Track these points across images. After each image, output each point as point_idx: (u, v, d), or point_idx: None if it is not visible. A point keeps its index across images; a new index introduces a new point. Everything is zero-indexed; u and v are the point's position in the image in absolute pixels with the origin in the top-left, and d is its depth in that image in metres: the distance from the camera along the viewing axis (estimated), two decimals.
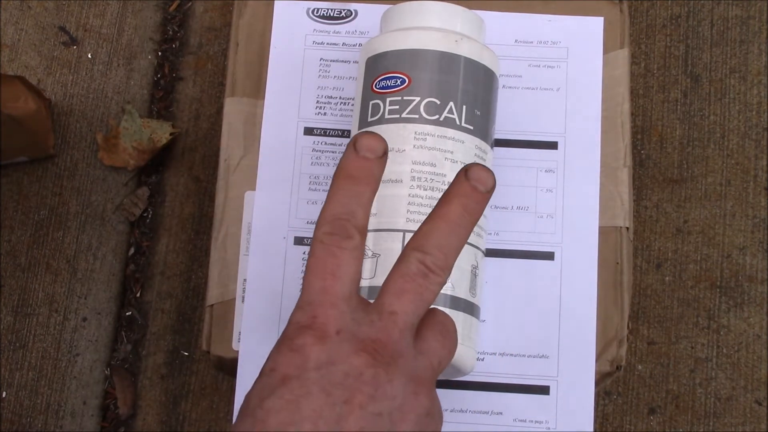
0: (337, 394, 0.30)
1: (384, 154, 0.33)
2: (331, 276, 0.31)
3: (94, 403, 0.66)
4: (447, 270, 0.33)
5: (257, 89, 0.52)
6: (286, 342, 0.31)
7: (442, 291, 0.42)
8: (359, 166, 0.33)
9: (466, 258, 0.43)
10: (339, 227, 0.32)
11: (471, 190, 0.33)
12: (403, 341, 0.32)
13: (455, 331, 0.34)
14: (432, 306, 0.34)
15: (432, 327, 0.34)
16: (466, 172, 0.33)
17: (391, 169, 0.43)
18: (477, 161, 0.44)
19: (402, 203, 0.43)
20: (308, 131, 0.51)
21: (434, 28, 0.45)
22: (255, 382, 0.31)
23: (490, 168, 0.46)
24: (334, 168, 0.50)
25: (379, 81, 0.45)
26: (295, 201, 0.50)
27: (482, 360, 0.48)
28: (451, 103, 0.44)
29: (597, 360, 0.48)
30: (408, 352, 0.32)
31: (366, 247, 0.43)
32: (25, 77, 0.67)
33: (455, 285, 0.43)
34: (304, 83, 0.52)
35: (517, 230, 0.50)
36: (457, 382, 0.48)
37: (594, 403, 0.47)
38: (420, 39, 0.45)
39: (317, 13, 0.53)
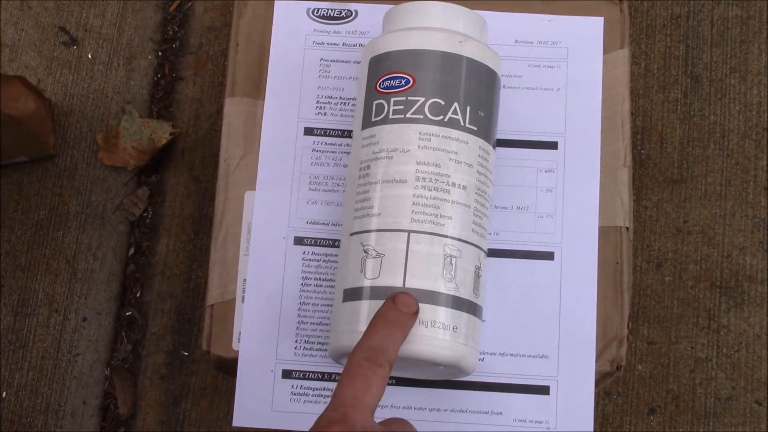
0: None
1: (416, 313, 0.42)
2: (362, 392, 0.38)
3: (94, 403, 0.66)
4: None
5: (257, 89, 0.52)
6: (319, 430, 0.36)
7: (446, 291, 0.42)
8: (396, 316, 0.41)
9: (470, 258, 0.43)
10: (374, 357, 0.39)
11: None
12: None
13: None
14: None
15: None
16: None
17: (395, 169, 0.43)
18: (480, 162, 0.45)
19: (406, 203, 0.43)
20: (308, 131, 0.51)
21: (438, 28, 0.45)
22: None
23: (493, 171, 0.46)
24: (334, 168, 0.51)
25: (383, 81, 0.45)
26: (295, 201, 0.50)
27: (482, 360, 0.48)
28: (456, 104, 0.44)
29: (597, 360, 0.48)
30: None
31: (370, 247, 0.43)
32: (25, 77, 0.67)
33: (459, 285, 0.43)
34: (304, 83, 0.52)
35: (517, 230, 0.50)
36: (457, 382, 0.48)
37: (594, 403, 0.48)
38: (424, 39, 0.45)
39: (317, 13, 0.53)
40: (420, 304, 0.42)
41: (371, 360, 0.39)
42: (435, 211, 0.43)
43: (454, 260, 0.43)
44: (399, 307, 0.41)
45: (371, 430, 0.37)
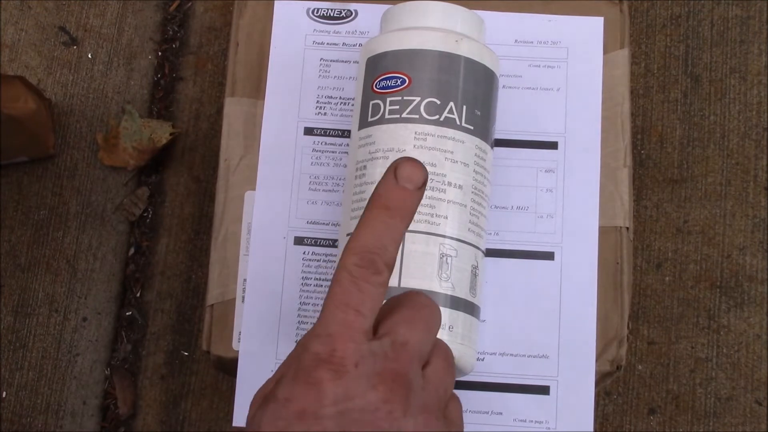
0: (354, 430, 0.30)
1: (423, 185, 0.32)
2: (355, 311, 0.31)
3: (94, 403, 0.66)
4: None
5: (257, 89, 0.52)
6: (302, 373, 0.30)
7: (441, 291, 0.42)
8: (397, 196, 0.31)
9: (466, 258, 0.43)
10: (369, 261, 0.31)
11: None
12: (414, 371, 0.32)
13: (454, 359, 0.34)
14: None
15: (438, 356, 0.33)
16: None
17: None
18: (477, 161, 0.45)
19: None
20: (308, 131, 0.51)
21: (434, 28, 0.45)
22: (265, 406, 0.31)
23: (490, 171, 0.46)
24: (334, 168, 0.51)
25: (379, 81, 0.45)
26: (295, 201, 0.50)
27: (482, 360, 0.48)
28: (452, 103, 0.44)
29: (597, 360, 0.48)
30: (417, 383, 0.32)
31: None
32: (25, 77, 0.67)
33: (455, 285, 0.43)
34: (304, 83, 0.52)
35: (517, 230, 0.50)
36: (457, 382, 0.48)
37: (594, 403, 0.48)
38: (420, 39, 0.45)
39: (317, 13, 0.53)
40: None
41: (365, 266, 0.31)
42: (430, 211, 0.43)
43: (450, 260, 0.43)
44: (402, 183, 0.31)
45: (366, 361, 0.30)
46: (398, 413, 0.30)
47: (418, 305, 0.33)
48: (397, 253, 0.32)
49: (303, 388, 0.30)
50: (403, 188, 0.31)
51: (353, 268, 0.31)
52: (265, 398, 0.31)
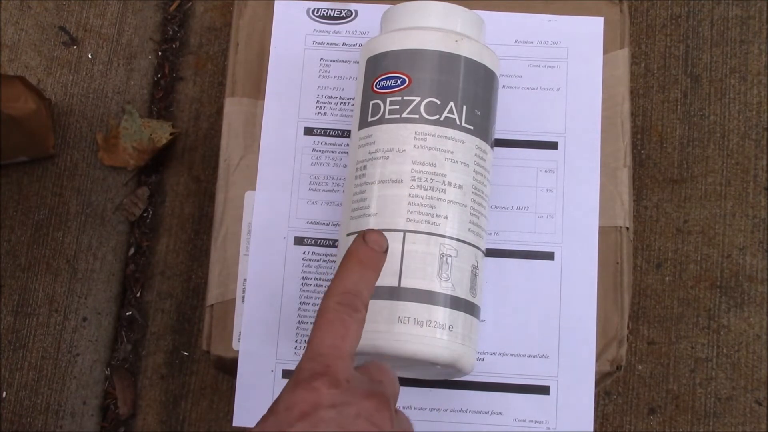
0: (354, 429, 0.34)
1: (386, 251, 0.39)
2: (341, 338, 0.36)
3: (94, 403, 0.66)
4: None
5: (257, 89, 0.52)
6: (301, 384, 0.34)
7: (442, 291, 0.42)
8: (368, 255, 0.39)
9: (466, 258, 0.43)
10: (349, 301, 0.37)
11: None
12: (391, 402, 0.36)
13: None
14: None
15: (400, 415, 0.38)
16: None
17: (391, 169, 0.43)
18: (477, 161, 0.45)
19: (402, 203, 0.43)
20: (308, 131, 0.51)
21: (434, 28, 0.45)
22: (265, 419, 0.34)
23: (490, 171, 0.46)
24: (334, 168, 0.51)
25: (379, 81, 0.45)
26: (295, 201, 0.50)
27: (482, 360, 0.48)
28: (452, 103, 0.44)
29: (597, 360, 0.48)
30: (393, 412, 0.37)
31: None
32: (25, 77, 0.67)
33: (455, 285, 0.43)
34: (304, 83, 0.52)
35: (517, 230, 0.50)
36: (457, 382, 0.48)
37: (594, 403, 0.47)
38: (420, 39, 0.45)
39: (317, 13, 0.53)
40: (416, 304, 0.42)
41: (347, 304, 0.37)
42: (431, 211, 0.43)
43: (450, 260, 0.43)
44: (370, 245, 0.39)
45: (354, 381, 0.35)
46: (387, 421, 0.35)
47: (382, 369, 0.38)
48: (369, 296, 0.38)
49: (302, 394, 0.34)
50: (371, 248, 0.39)
51: (336, 306, 0.37)
52: (264, 416, 0.34)
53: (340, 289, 0.37)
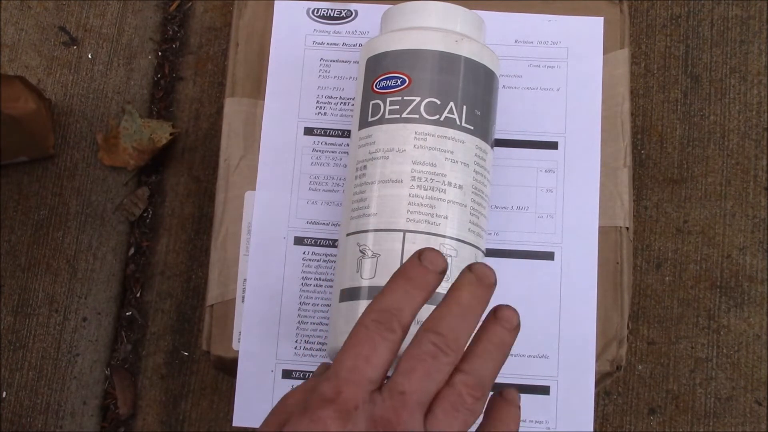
0: None
1: (443, 272, 0.36)
2: (364, 360, 0.33)
3: (94, 403, 0.66)
4: (458, 351, 0.34)
5: (257, 89, 0.52)
6: (309, 411, 0.33)
7: (442, 291, 0.42)
8: (418, 272, 0.35)
9: (466, 258, 0.43)
10: (385, 318, 0.34)
11: (478, 282, 0.36)
12: (413, 420, 0.33)
13: (474, 401, 0.35)
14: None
15: (442, 402, 0.34)
16: (470, 267, 0.36)
17: (391, 169, 0.43)
18: (477, 161, 0.45)
19: (402, 203, 0.43)
20: (308, 131, 0.51)
21: (434, 28, 0.45)
22: None
23: (490, 171, 0.46)
24: (334, 168, 0.51)
25: (379, 81, 0.45)
26: (295, 201, 0.50)
27: None
28: (452, 103, 0.44)
29: (597, 360, 0.48)
30: (415, 430, 0.33)
31: (366, 247, 0.43)
32: (25, 77, 0.67)
33: None
34: (304, 83, 0.52)
35: (517, 230, 0.50)
36: None
37: (594, 403, 0.47)
38: (420, 39, 0.45)
39: (317, 13, 0.53)
40: None
41: (381, 322, 0.34)
42: (431, 211, 0.43)
43: (450, 260, 0.43)
44: (424, 264, 0.35)
45: (367, 412, 0.33)
46: None
47: (420, 355, 0.34)
48: (412, 320, 0.35)
49: (308, 425, 0.32)
50: (425, 267, 0.35)
51: (370, 323, 0.34)
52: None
53: (379, 305, 0.34)
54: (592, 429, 0.47)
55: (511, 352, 0.48)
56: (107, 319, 0.67)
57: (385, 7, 0.48)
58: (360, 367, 0.33)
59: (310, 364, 0.48)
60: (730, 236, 0.67)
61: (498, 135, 0.50)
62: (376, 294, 0.35)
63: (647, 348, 0.65)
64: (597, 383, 0.48)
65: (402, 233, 0.43)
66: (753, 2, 0.71)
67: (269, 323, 0.49)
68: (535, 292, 0.49)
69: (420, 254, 0.36)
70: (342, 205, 0.48)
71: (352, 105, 0.51)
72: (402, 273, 0.35)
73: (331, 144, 0.51)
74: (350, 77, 0.52)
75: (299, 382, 0.48)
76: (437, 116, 0.44)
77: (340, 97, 0.52)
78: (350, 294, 0.43)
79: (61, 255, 0.67)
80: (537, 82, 0.52)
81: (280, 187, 0.50)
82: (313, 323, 0.49)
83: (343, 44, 0.53)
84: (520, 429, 0.47)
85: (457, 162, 0.44)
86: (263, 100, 0.52)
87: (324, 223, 0.50)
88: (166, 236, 0.68)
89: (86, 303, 0.67)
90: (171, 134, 0.69)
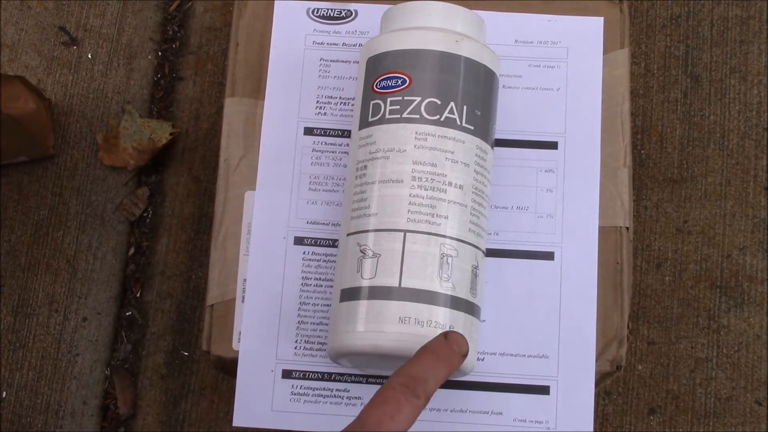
0: None
1: (465, 355, 0.39)
2: (389, 416, 0.36)
3: (94, 403, 0.66)
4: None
5: (257, 89, 0.52)
6: None
7: (442, 291, 0.42)
8: (444, 350, 0.39)
9: (466, 258, 0.43)
10: (412, 384, 0.37)
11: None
12: None
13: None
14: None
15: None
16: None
17: (391, 169, 0.43)
18: (477, 161, 0.45)
19: (403, 203, 0.43)
20: (308, 131, 0.51)
21: (435, 28, 0.45)
22: None
23: (491, 171, 0.46)
24: (335, 168, 0.51)
25: (379, 81, 0.45)
26: (295, 201, 0.50)
27: (482, 360, 0.48)
28: (452, 103, 0.44)
29: (597, 360, 0.48)
30: None
31: (366, 247, 0.43)
32: (25, 77, 0.67)
33: (456, 285, 0.43)
34: (304, 83, 0.52)
35: (517, 230, 0.50)
36: (457, 382, 0.48)
37: (594, 403, 0.48)
38: (420, 39, 0.45)
39: (317, 13, 0.53)
40: (417, 304, 0.42)
41: (408, 387, 0.37)
42: (431, 211, 0.43)
43: (450, 260, 0.43)
44: (450, 344, 0.39)
45: None
46: None
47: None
48: (435, 390, 0.38)
49: None
50: (450, 348, 0.39)
51: (397, 386, 0.37)
52: None
53: (406, 372, 0.37)
54: (592, 429, 0.47)
55: (511, 352, 0.48)
56: (107, 319, 0.67)
57: (385, 7, 0.48)
58: (385, 422, 0.36)
59: (310, 364, 0.48)
60: (730, 236, 0.67)
61: (498, 135, 0.50)
62: (408, 361, 0.38)
63: (647, 348, 0.65)
64: (597, 383, 0.48)
65: (402, 233, 0.43)
66: (753, 2, 0.71)
67: (269, 323, 0.49)
68: (534, 292, 0.49)
69: (446, 335, 0.39)
70: (342, 205, 0.48)
71: (352, 105, 0.51)
72: (429, 348, 0.39)
73: (331, 144, 0.51)
74: (350, 77, 0.52)
75: (299, 382, 0.48)
76: (438, 116, 0.44)
77: (340, 97, 0.52)
78: (350, 294, 0.43)
79: (61, 255, 0.67)
80: (537, 82, 0.52)
81: (280, 187, 0.50)
82: (313, 323, 0.49)
83: (343, 44, 0.53)
84: (520, 429, 0.47)
85: (457, 162, 0.44)
86: (263, 100, 0.52)
87: (324, 223, 0.50)
88: (166, 236, 0.68)
89: (86, 303, 0.67)
90: (171, 134, 0.69)
